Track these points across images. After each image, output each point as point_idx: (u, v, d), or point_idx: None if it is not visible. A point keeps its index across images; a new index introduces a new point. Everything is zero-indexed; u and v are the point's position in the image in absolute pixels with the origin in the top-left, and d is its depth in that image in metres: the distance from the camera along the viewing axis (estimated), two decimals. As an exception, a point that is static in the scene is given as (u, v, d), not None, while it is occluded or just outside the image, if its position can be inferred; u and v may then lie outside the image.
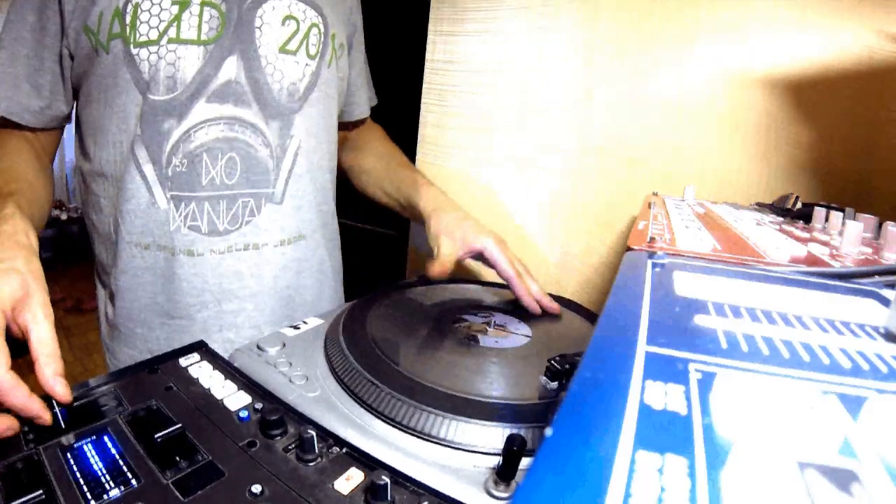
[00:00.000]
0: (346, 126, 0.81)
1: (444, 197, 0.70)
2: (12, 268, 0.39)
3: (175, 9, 0.54)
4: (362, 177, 0.82)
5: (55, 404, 0.36)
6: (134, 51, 0.54)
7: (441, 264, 0.60)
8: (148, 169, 0.57)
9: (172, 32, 0.54)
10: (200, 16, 0.55)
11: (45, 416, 0.35)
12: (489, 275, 0.69)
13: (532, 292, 0.60)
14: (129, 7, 0.53)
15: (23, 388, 0.35)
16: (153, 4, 0.53)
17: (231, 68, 0.57)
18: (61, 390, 0.36)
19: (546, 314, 0.60)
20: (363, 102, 0.82)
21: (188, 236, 0.59)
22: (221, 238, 0.60)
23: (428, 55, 0.93)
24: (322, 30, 0.64)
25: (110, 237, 0.61)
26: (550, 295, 0.64)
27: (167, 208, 0.58)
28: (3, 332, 0.36)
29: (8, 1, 0.58)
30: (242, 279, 0.62)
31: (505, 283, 0.62)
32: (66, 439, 0.34)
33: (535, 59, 0.80)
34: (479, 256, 0.63)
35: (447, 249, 0.61)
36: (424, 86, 0.94)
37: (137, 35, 0.53)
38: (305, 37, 0.62)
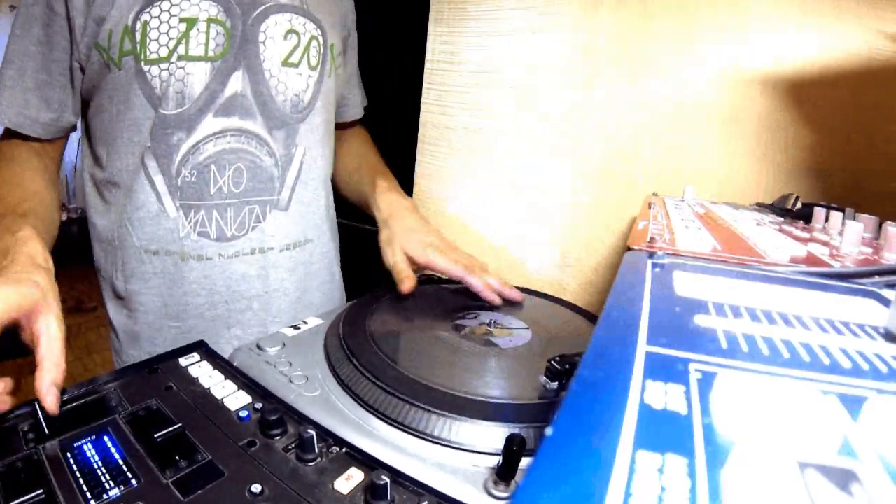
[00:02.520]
0: (336, 126, 0.81)
1: (397, 203, 0.71)
2: (33, 280, 0.40)
3: (183, 26, 0.55)
4: (335, 177, 0.83)
5: (38, 410, 0.36)
6: (145, 68, 0.55)
7: (402, 279, 0.61)
8: (158, 179, 0.58)
9: (182, 50, 0.55)
10: (207, 33, 0.56)
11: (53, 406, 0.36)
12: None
13: (492, 286, 0.60)
14: (138, 25, 0.54)
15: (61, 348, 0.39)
16: (161, 22, 0.54)
17: (237, 83, 0.59)
18: (51, 401, 0.36)
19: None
20: (356, 104, 0.83)
21: (198, 242, 0.60)
22: (229, 243, 0.61)
23: (428, 55, 0.93)
24: (321, 41, 0.65)
25: (116, 243, 0.61)
26: (549, 295, 0.64)
27: (176, 216, 0.59)
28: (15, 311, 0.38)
29: (7, 1, 0.58)
30: (250, 282, 0.63)
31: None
32: (51, 445, 0.34)
33: (535, 59, 0.80)
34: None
35: (390, 259, 0.64)
36: (424, 86, 0.94)
37: (148, 52, 0.54)
38: (306, 49, 0.63)
